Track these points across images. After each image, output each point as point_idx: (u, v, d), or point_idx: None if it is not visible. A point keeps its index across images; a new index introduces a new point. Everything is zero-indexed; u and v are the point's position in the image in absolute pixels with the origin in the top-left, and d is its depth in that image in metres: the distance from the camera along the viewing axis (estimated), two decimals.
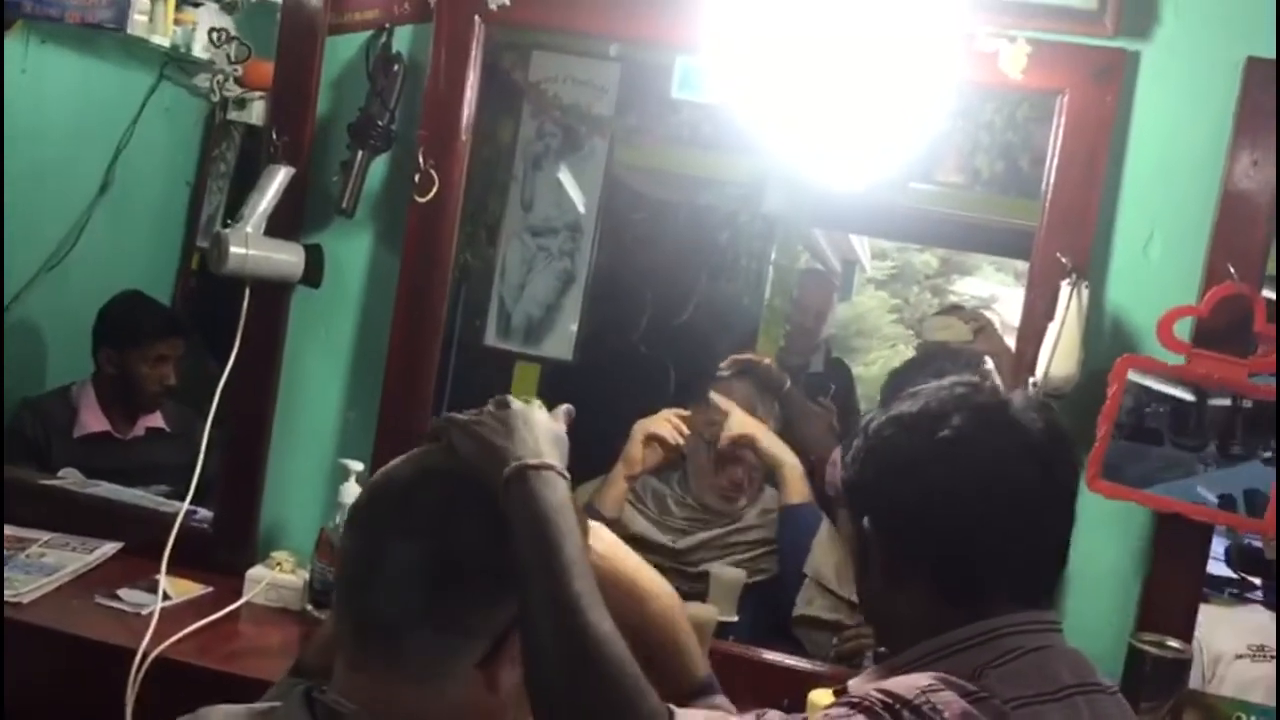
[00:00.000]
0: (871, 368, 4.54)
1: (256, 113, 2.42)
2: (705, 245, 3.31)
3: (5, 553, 2.03)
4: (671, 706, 1.00)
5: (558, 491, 1.09)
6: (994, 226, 3.00)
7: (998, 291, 4.90)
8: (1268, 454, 1.87)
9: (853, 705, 1.03)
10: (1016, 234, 2.89)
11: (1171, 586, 1.90)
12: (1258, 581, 2.70)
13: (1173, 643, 1.81)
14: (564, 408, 1.22)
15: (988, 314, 3.39)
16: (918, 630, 1.14)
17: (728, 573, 2.20)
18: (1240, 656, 2.25)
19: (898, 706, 1.01)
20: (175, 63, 2.69)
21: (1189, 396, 1.87)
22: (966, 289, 4.94)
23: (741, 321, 3.29)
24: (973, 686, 1.04)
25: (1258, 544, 2.61)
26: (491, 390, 2.89)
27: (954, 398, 1.17)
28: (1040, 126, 2.51)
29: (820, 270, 3.88)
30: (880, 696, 1.02)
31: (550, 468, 1.10)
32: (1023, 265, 4.93)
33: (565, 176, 2.83)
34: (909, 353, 4.16)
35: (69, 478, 2.45)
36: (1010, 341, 3.25)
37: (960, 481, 1.13)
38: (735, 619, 2.15)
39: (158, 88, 2.77)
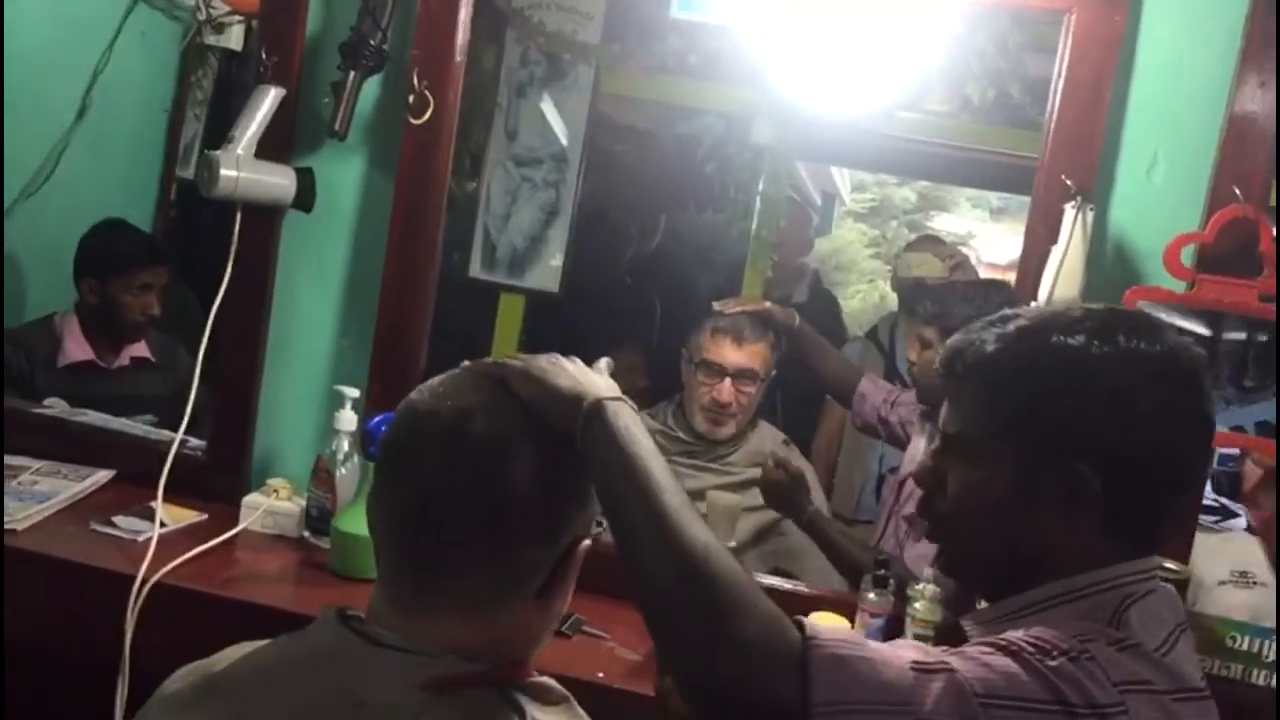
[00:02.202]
0: (851, 301, 4.56)
1: (235, 37, 2.37)
2: (692, 176, 3.29)
3: None
4: (799, 617, 0.98)
5: (636, 420, 1.09)
6: (981, 159, 2.99)
7: (974, 228, 4.93)
8: None
9: (997, 647, 1.00)
10: (1004, 166, 2.90)
11: None
12: (1239, 510, 2.74)
13: (1169, 564, 1.82)
14: (604, 360, 1.21)
15: (964, 250, 3.41)
16: (1067, 565, 1.10)
17: (724, 499, 2.20)
18: (1223, 583, 2.27)
19: (1048, 648, 0.99)
20: None
21: (1204, 330, 1.87)
22: (943, 225, 4.96)
23: (728, 253, 3.28)
24: (1119, 634, 1.03)
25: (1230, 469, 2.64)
26: (478, 321, 2.89)
27: (1165, 362, 1.11)
28: (1032, 54, 2.50)
29: (798, 199, 3.87)
30: (1028, 642, 1.00)
31: (624, 400, 1.11)
32: (999, 201, 4.97)
33: (549, 106, 2.79)
34: (886, 287, 4.17)
35: (54, 407, 2.41)
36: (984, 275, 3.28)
37: (1166, 447, 1.10)
38: (733, 544, 2.15)
39: (134, 9, 2.69)
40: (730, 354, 2.43)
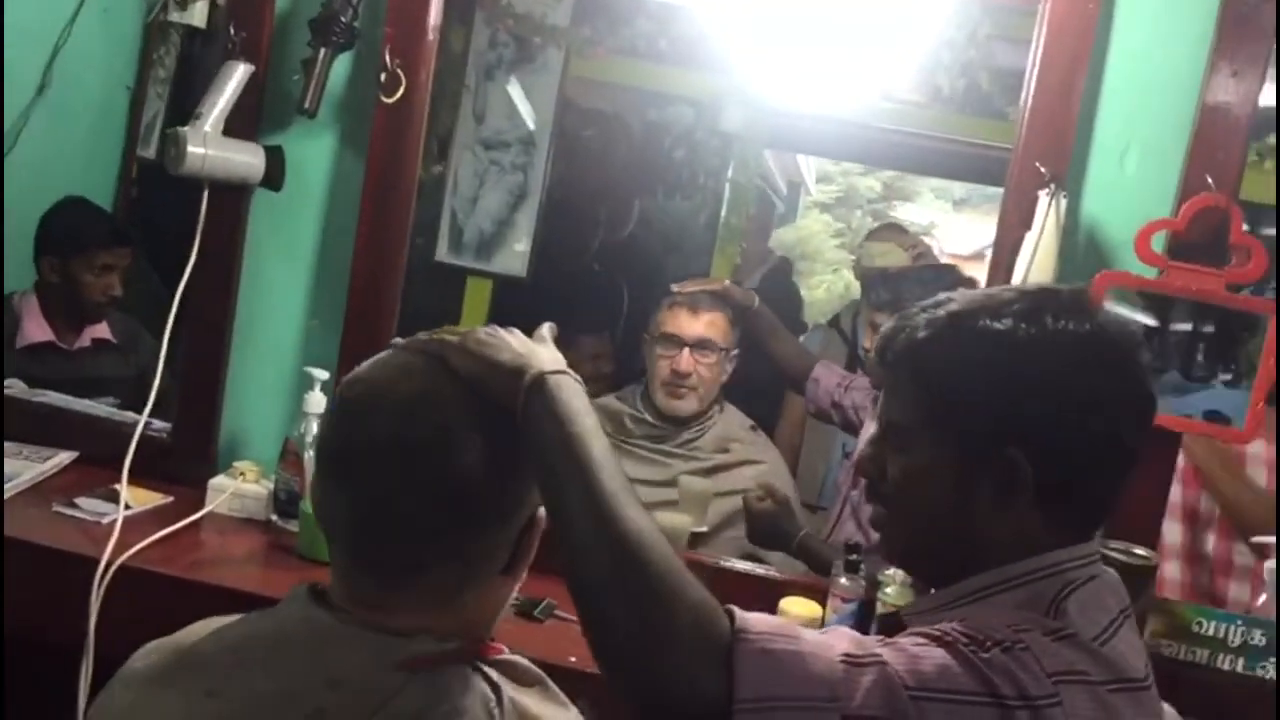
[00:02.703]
0: (816, 290, 4.59)
1: (199, 14, 2.32)
2: (661, 163, 3.29)
3: None
4: (731, 607, 0.96)
5: (579, 395, 1.06)
6: (950, 149, 3.01)
7: (937, 218, 4.98)
8: (1227, 377, 1.91)
9: (931, 638, 0.98)
10: (973, 156, 2.92)
11: (1138, 495, 1.92)
12: None
13: (1139, 550, 1.83)
14: (547, 325, 1.16)
15: (926, 239, 3.43)
16: (1006, 552, 1.08)
17: (697, 483, 2.21)
18: None
19: (982, 639, 0.97)
20: None
21: (1152, 321, 1.89)
22: (906, 215, 5.01)
23: (696, 240, 3.28)
24: (1056, 623, 1.02)
25: None
26: (446, 304, 2.86)
27: (1103, 349, 1.09)
28: (1002, 44, 2.51)
29: (761, 186, 3.88)
30: (962, 632, 0.98)
31: (567, 373, 1.07)
32: (962, 192, 5.00)
33: (517, 89, 2.77)
34: (851, 276, 4.20)
35: (13, 388, 2.36)
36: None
37: (1101, 429, 1.07)
38: (705, 529, 2.15)
39: None
40: (687, 324, 2.43)
